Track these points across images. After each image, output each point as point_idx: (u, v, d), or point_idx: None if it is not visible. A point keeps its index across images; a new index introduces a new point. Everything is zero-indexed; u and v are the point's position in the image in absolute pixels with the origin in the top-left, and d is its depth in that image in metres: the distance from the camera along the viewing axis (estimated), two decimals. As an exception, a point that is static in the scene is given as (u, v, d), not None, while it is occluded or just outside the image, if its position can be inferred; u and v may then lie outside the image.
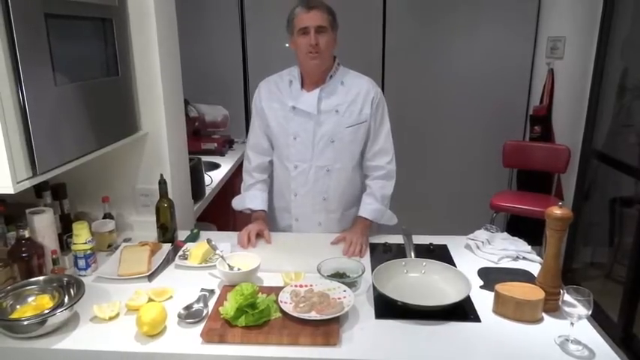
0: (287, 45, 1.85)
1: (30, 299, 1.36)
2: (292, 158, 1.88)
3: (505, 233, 1.85)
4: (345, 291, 1.38)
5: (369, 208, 1.87)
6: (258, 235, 1.81)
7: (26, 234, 1.47)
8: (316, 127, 1.83)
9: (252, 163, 1.97)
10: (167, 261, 1.67)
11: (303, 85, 1.85)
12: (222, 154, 3.17)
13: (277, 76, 1.93)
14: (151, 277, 1.56)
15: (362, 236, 1.79)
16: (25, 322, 1.24)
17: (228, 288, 1.43)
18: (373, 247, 1.78)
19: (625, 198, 3.03)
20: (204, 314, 1.34)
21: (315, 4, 1.74)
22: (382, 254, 1.72)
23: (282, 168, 1.93)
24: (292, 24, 1.76)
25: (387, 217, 1.92)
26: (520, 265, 1.66)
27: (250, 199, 1.94)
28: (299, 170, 1.88)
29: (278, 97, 1.88)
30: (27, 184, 1.29)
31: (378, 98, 1.85)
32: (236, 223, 2.81)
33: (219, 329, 1.26)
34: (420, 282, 1.51)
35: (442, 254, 1.72)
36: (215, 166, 2.93)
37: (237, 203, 2.00)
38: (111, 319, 1.33)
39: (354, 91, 1.84)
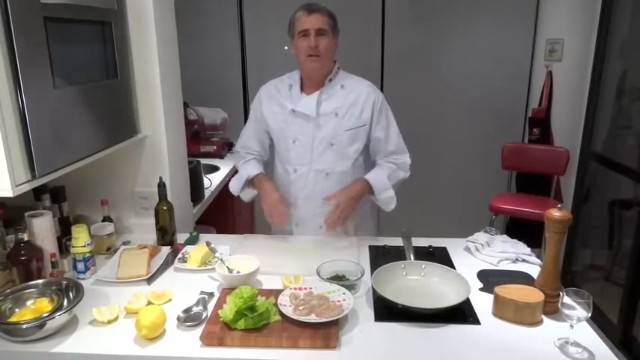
0: (286, 48, 1.85)
1: (29, 302, 1.36)
2: (292, 162, 1.88)
3: (504, 235, 1.85)
4: (344, 294, 1.38)
5: (375, 174, 1.85)
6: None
7: (25, 237, 1.47)
8: (315, 130, 1.83)
9: (247, 155, 1.96)
10: (166, 264, 1.66)
11: (302, 89, 1.86)
12: (221, 156, 3.16)
13: (278, 80, 1.93)
14: (150, 280, 1.56)
15: (350, 199, 1.78)
16: (24, 326, 1.24)
17: (227, 291, 1.43)
18: (373, 250, 1.78)
19: (624, 200, 3.02)
20: (203, 317, 1.34)
21: (316, 7, 1.75)
22: (382, 257, 1.72)
23: (283, 171, 1.93)
24: (293, 27, 1.78)
25: (387, 195, 1.83)
26: (519, 267, 1.66)
27: (246, 169, 1.90)
28: (298, 174, 1.88)
29: (278, 101, 1.88)
30: (26, 187, 1.29)
31: (380, 102, 1.85)
32: (235, 226, 2.81)
33: (219, 332, 1.25)
34: (419, 284, 1.51)
35: (441, 257, 1.72)
36: (214, 168, 2.93)
37: (235, 184, 1.93)
38: (110, 322, 1.33)
39: (354, 95, 1.83)
